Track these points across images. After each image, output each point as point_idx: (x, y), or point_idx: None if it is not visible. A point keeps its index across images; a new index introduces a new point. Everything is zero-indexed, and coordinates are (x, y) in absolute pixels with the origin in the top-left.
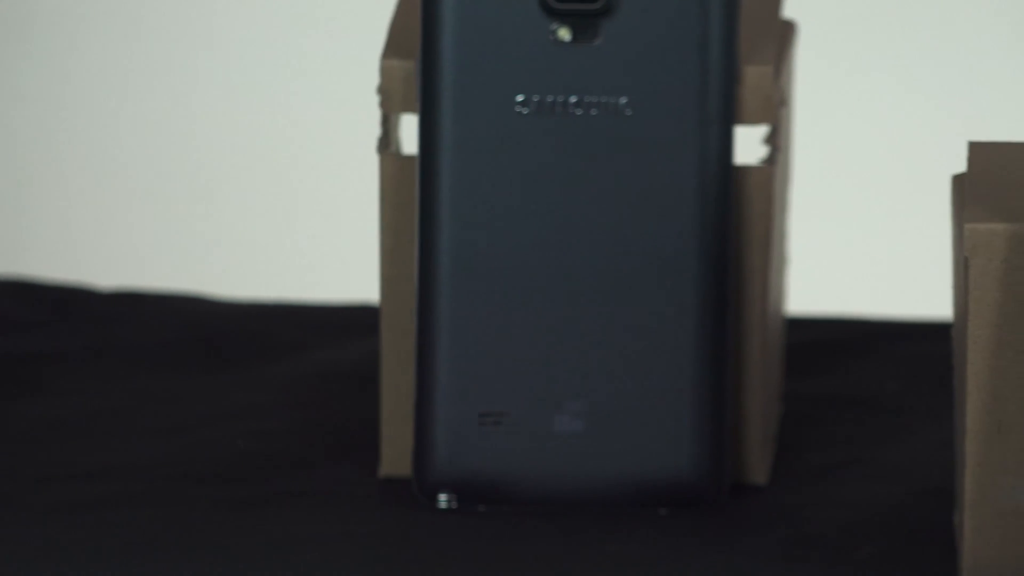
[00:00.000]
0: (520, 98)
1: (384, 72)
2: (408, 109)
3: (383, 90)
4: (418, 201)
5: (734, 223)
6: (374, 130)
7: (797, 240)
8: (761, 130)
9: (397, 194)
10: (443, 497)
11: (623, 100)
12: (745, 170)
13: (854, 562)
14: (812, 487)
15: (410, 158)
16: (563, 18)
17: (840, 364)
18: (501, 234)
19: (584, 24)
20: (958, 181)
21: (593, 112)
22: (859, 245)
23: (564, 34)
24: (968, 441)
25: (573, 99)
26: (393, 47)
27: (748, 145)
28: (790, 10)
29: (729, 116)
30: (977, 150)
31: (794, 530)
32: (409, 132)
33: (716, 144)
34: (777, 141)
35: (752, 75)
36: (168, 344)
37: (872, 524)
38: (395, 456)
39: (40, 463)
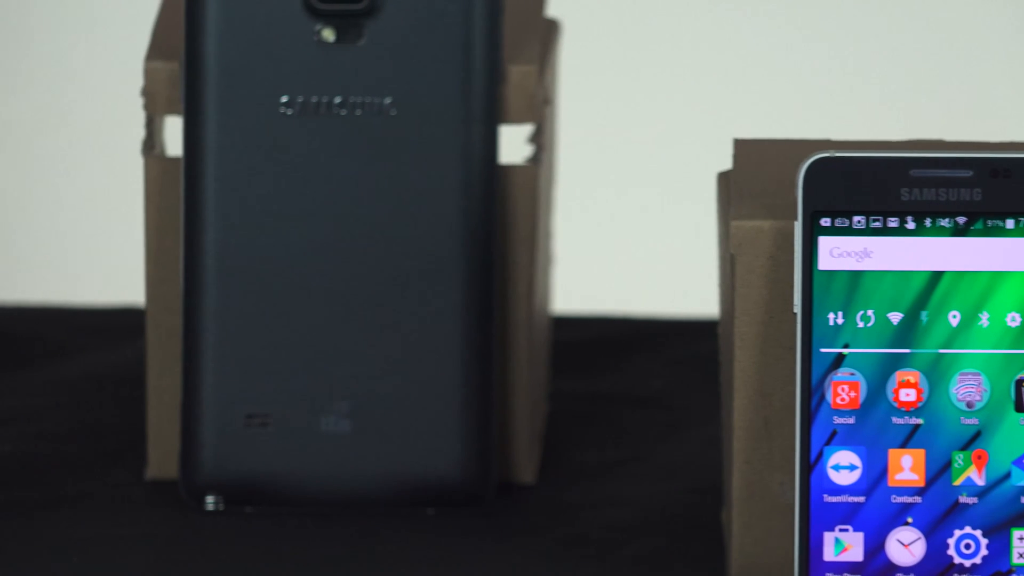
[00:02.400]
0: (285, 99)
1: (148, 74)
2: (172, 111)
3: (147, 92)
4: (183, 203)
5: (499, 222)
6: (138, 132)
7: (562, 239)
8: (526, 129)
9: (162, 196)
10: (210, 499)
11: (387, 100)
12: (510, 169)
13: (623, 560)
14: (581, 485)
15: (175, 160)
16: (327, 19)
17: (607, 362)
18: (266, 236)
19: (348, 25)
20: (724, 178)
21: (357, 112)
22: (624, 243)
23: (328, 35)
24: (736, 438)
25: (338, 99)
26: (157, 49)
27: (513, 144)
28: (553, 9)
29: (493, 115)
30: (742, 147)
31: (562, 528)
32: (173, 134)
33: (480, 143)
34: (541, 140)
35: (516, 74)
36: None
37: (641, 522)
38: (162, 458)
39: None
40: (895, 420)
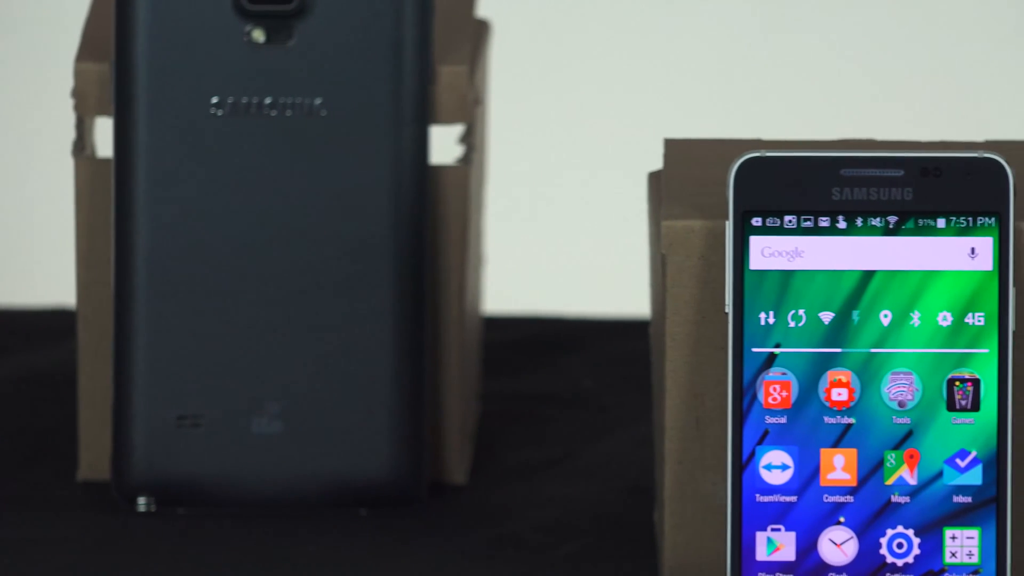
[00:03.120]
0: (215, 100)
1: (78, 75)
2: (103, 112)
3: (77, 93)
4: (114, 204)
5: (430, 223)
6: (69, 133)
7: (493, 239)
8: (456, 129)
9: (93, 197)
10: (142, 500)
11: (318, 101)
12: (441, 170)
13: (554, 559)
14: (513, 486)
15: (105, 161)
16: (257, 19)
17: (538, 362)
18: (198, 237)
19: (278, 25)
20: (654, 178)
21: (288, 113)
22: (555, 243)
23: (258, 35)
24: (667, 438)
25: (268, 100)
26: (87, 50)
27: (444, 145)
28: (483, 10)
29: (424, 116)
30: (673, 147)
31: (495, 529)
32: (104, 135)
33: (411, 144)
34: (472, 140)
35: (447, 75)
36: None
37: (573, 522)
38: (93, 460)
39: None
40: (827, 420)
